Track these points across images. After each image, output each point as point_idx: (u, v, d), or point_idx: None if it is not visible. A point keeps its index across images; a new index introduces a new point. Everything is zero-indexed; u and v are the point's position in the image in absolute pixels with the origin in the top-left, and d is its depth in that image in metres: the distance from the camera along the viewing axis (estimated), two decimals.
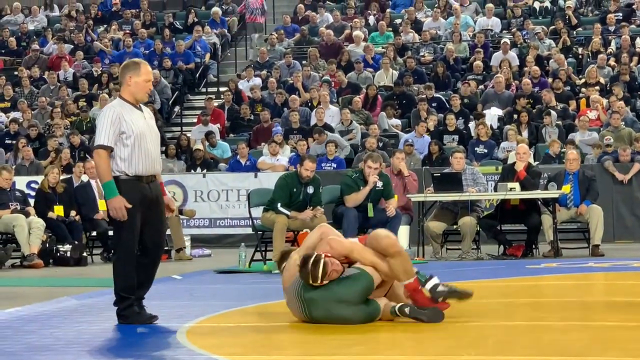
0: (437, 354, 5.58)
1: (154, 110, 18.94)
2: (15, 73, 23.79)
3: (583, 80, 20.67)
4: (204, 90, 23.85)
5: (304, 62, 22.75)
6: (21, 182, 16.91)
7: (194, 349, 5.83)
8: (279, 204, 12.18)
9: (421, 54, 22.85)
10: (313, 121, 19.79)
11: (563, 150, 16.71)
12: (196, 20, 25.39)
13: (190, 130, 21.01)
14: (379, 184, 12.77)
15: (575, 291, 9.34)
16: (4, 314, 7.82)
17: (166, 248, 13.54)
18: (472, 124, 19.16)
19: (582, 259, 13.05)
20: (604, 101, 19.41)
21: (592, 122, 18.84)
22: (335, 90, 21.39)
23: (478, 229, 13.66)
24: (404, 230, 13.10)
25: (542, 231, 13.60)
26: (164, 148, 18.60)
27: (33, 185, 16.79)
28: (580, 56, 22.15)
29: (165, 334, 6.58)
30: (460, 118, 19.48)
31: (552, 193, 13.54)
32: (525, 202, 13.67)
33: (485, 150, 18.07)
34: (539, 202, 13.72)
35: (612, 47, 22.12)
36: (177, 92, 22.93)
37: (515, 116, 19.06)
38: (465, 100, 20.13)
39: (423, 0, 25.31)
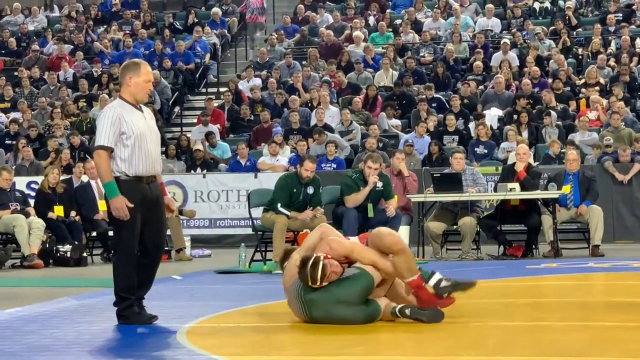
0: (437, 355, 5.58)
1: (154, 111, 18.93)
2: (15, 73, 23.79)
3: (583, 81, 20.67)
4: (204, 90, 23.86)
5: (304, 62, 22.75)
6: (21, 182, 16.91)
7: (194, 349, 5.83)
8: (279, 205, 12.18)
9: (421, 54, 22.85)
10: (313, 121, 19.79)
11: (563, 150, 16.71)
12: (196, 20, 25.39)
13: (190, 131, 21.01)
14: (379, 184, 12.76)
15: (575, 291, 9.34)
16: (4, 314, 7.82)
17: (166, 248, 13.53)
18: (472, 125, 19.16)
19: (582, 259, 13.05)
20: (604, 101, 19.42)
21: (592, 122, 18.85)
22: (335, 90, 21.39)
23: (478, 229, 13.66)
24: (404, 231, 13.09)
25: (542, 231, 13.60)
26: (164, 148, 18.60)
27: (33, 185, 16.79)
28: (580, 57, 22.15)
29: (165, 335, 6.58)
30: (460, 118, 19.48)
31: (552, 193, 13.55)
32: (525, 202, 13.67)
33: (485, 151, 18.07)
34: (539, 203, 13.73)
35: (612, 47, 22.13)
36: (177, 93, 22.94)
37: (515, 116, 19.06)
38: (465, 101, 20.14)
39: (423, 0, 25.31)
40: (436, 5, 24.93)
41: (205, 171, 18.52)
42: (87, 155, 18.28)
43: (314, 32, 24.53)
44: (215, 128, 20.28)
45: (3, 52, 25.45)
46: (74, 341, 6.29)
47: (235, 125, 20.98)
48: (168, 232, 12.95)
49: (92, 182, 15.19)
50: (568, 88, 20.36)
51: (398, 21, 24.56)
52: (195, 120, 21.69)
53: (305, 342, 6.26)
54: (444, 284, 6.73)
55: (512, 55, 21.77)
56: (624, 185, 16.84)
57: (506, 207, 13.75)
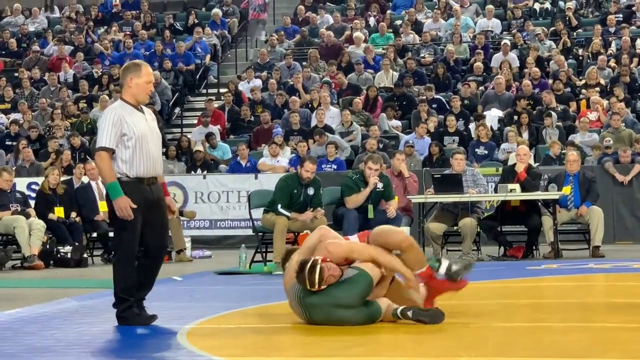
0: (438, 356, 5.58)
1: (155, 112, 18.93)
2: (16, 74, 23.79)
3: (583, 82, 20.67)
4: (204, 91, 23.86)
5: (304, 63, 22.76)
6: (21, 183, 16.90)
7: (195, 351, 5.83)
8: (279, 206, 12.18)
9: (421, 55, 22.86)
10: (313, 122, 19.79)
11: (563, 151, 16.71)
12: (196, 21, 25.40)
13: (190, 132, 21.02)
14: (380, 185, 12.76)
15: (575, 292, 9.34)
16: (5, 315, 7.82)
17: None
18: (472, 125, 19.16)
19: (583, 260, 13.05)
20: (604, 102, 19.41)
21: (592, 123, 18.85)
22: (335, 91, 21.39)
23: (478, 230, 13.65)
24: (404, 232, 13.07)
25: (543, 232, 13.60)
26: (165, 149, 18.60)
27: (33, 186, 16.78)
28: (580, 57, 22.15)
29: (165, 336, 6.59)
30: (461, 119, 19.47)
31: (553, 194, 13.54)
32: (526, 203, 13.67)
33: (486, 152, 18.07)
34: (540, 204, 13.72)
35: (613, 48, 22.12)
36: (177, 94, 22.94)
37: (516, 117, 19.06)
38: (466, 102, 20.14)
39: (423, 1, 25.31)
40: (436, 6, 24.93)
41: (205, 172, 18.52)
42: (87, 156, 18.29)
43: (314, 33, 24.54)
44: (215, 129, 20.28)
45: (3, 53, 25.45)
46: (75, 342, 6.30)
47: (235, 126, 20.98)
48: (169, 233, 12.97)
49: (93, 183, 15.20)
50: (568, 89, 20.36)
51: (398, 22, 24.57)
52: (195, 121, 21.69)
53: (305, 343, 6.26)
54: (454, 267, 6.81)
55: (513, 56, 21.77)
56: (624, 186, 16.84)
57: (506, 208, 13.75)
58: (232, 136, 20.76)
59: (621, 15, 23.55)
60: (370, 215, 12.57)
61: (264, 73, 22.83)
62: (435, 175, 14.09)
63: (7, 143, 20.09)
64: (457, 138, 18.79)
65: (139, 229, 6.92)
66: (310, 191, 12.31)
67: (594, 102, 19.32)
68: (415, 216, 13.89)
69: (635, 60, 21.26)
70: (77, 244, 14.40)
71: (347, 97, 20.94)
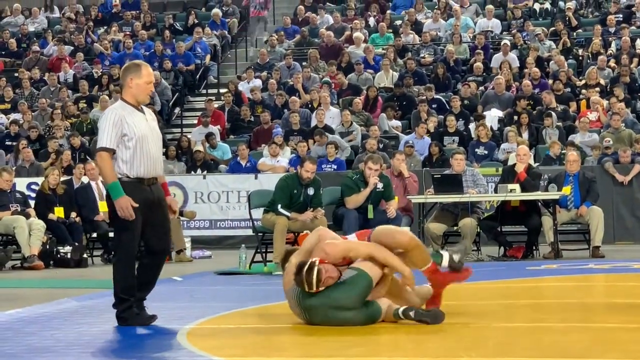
0: (438, 356, 5.58)
1: (155, 112, 18.94)
2: (16, 74, 23.79)
3: (583, 82, 20.67)
4: (204, 91, 23.86)
5: (304, 63, 22.76)
6: (21, 183, 16.90)
7: (195, 351, 5.83)
8: (279, 206, 12.18)
9: (421, 55, 22.86)
10: (313, 122, 19.80)
11: (563, 151, 16.71)
12: (196, 21, 25.40)
13: (190, 132, 21.03)
14: (380, 185, 12.76)
15: (575, 293, 9.34)
16: (5, 315, 7.82)
17: None
18: (472, 126, 19.16)
19: (583, 260, 13.05)
20: (604, 102, 19.42)
21: (592, 123, 18.85)
22: (335, 91, 21.40)
23: (478, 230, 13.65)
24: None
25: (543, 232, 13.60)
26: (165, 149, 18.60)
27: (33, 186, 16.78)
28: (580, 57, 22.16)
29: (165, 336, 6.59)
30: (461, 119, 19.48)
31: (553, 194, 13.55)
32: (526, 203, 13.67)
33: (486, 152, 18.07)
34: (539, 204, 13.73)
35: (612, 48, 22.13)
36: (177, 94, 22.95)
37: (516, 117, 19.06)
38: (466, 102, 20.14)
39: (423, 1, 25.32)
40: (436, 6, 24.94)
41: (205, 172, 18.53)
42: (87, 157, 18.29)
43: (314, 33, 24.54)
44: (215, 129, 20.28)
45: (3, 53, 25.45)
46: (75, 342, 6.30)
47: (235, 126, 20.99)
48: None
49: (92, 184, 15.20)
50: (568, 89, 20.36)
51: (398, 22, 24.57)
52: (195, 122, 21.69)
53: (305, 343, 6.26)
54: (456, 257, 6.85)
55: (513, 56, 21.78)
56: (624, 186, 16.84)
57: (506, 208, 13.75)
58: (232, 136, 20.76)
59: (621, 16, 23.55)
60: (370, 215, 12.57)
61: (264, 73, 22.84)
62: (435, 176, 14.10)
63: (7, 143, 20.09)
64: (457, 138, 18.79)
65: (139, 230, 6.93)
66: (310, 191, 12.31)
67: (594, 102, 19.33)
68: (415, 216, 13.90)
69: (635, 60, 21.27)
70: (77, 244, 14.40)
71: (347, 97, 20.94)
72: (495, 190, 14.08)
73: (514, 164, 14.13)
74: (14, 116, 21.45)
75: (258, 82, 22.35)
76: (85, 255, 14.47)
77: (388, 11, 25.39)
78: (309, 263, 6.54)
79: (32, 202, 14.90)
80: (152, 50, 24.04)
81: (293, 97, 20.74)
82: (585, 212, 13.71)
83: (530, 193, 13.56)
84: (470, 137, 18.79)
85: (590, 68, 20.73)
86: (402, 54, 22.87)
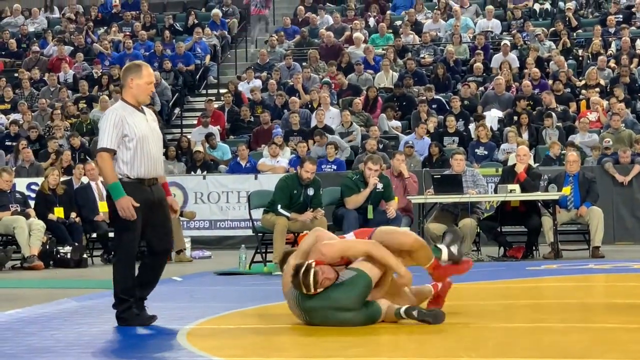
0: (438, 356, 5.58)
1: (155, 112, 18.94)
2: (16, 75, 23.79)
3: (583, 82, 20.68)
4: (204, 92, 23.87)
5: (304, 63, 22.76)
6: (21, 183, 16.90)
7: (195, 351, 5.83)
8: (279, 206, 12.18)
9: (421, 55, 22.86)
10: (313, 123, 19.80)
11: (563, 152, 16.71)
12: (196, 22, 25.41)
13: (190, 132, 21.03)
14: (379, 185, 12.76)
15: (575, 293, 9.34)
16: (5, 315, 7.82)
17: None
18: (472, 126, 19.16)
19: (583, 260, 13.05)
20: (604, 103, 19.42)
21: (592, 123, 18.85)
22: (335, 92, 21.40)
23: (478, 230, 13.66)
24: None
25: (543, 233, 13.60)
26: (164, 150, 18.59)
27: (33, 187, 16.78)
28: (580, 58, 22.16)
29: (165, 336, 6.59)
30: (461, 120, 19.48)
31: (552, 195, 13.55)
32: (526, 203, 13.67)
33: (486, 152, 18.07)
34: (539, 204, 13.72)
35: (612, 48, 22.13)
36: (177, 94, 22.95)
37: (516, 118, 19.06)
38: (466, 102, 20.14)
39: (423, 2, 25.32)
40: (436, 7, 24.94)
41: (205, 172, 18.53)
42: (87, 157, 18.29)
43: (314, 33, 24.54)
44: (215, 129, 20.28)
45: (3, 53, 25.45)
46: (74, 343, 6.30)
47: (235, 126, 20.99)
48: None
49: (92, 184, 15.20)
50: (568, 89, 20.37)
51: (398, 22, 24.57)
52: (195, 122, 21.69)
53: (305, 343, 6.26)
54: (454, 249, 6.90)
55: (512, 56, 21.78)
56: (624, 187, 16.84)
57: (506, 208, 13.75)
58: (231, 137, 20.76)
59: (621, 16, 23.55)
60: (370, 215, 12.57)
61: (264, 73, 22.84)
62: (435, 176, 14.10)
63: (7, 143, 20.09)
64: (456, 138, 18.79)
65: (140, 230, 6.93)
66: (310, 192, 12.31)
67: (594, 102, 19.33)
68: (415, 217, 13.89)
69: (635, 60, 21.27)
70: (76, 244, 14.39)
71: (347, 97, 20.94)
72: (495, 191, 14.08)
73: (514, 165, 14.13)
74: (13, 116, 21.45)
75: (258, 83, 22.35)
76: (85, 256, 14.47)
77: (388, 11, 25.39)
78: (305, 265, 6.52)
79: (32, 203, 14.90)
80: (152, 51, 24.04)
81: (293, 98, 20.74)
82: (585, 212, 13.71)
83: (530, 193, 13.56)
84: (470, 137, 18.79)
85: (590, 68, 20.73)
86: (402, 55, 22.87)
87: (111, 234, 14.39)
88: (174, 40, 24.53)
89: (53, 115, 20.92)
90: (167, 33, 24.80)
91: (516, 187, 13.47)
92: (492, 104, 20.08)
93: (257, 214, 13.02)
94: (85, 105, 21.71)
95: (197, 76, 23.88)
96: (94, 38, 25.42)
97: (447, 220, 13.69)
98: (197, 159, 18.99)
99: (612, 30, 22.90)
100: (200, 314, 7.52)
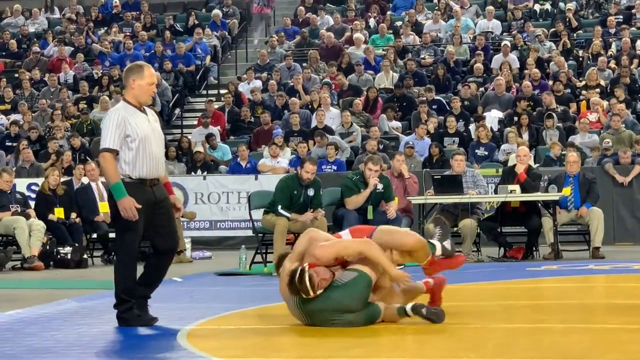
0: (438, 357, 5.58)
1: (155, 113, 18.93)
2: (16, 75, 23.80)
3: (583, 83, 20.68)
4: (204, 92, 23.87)
5: (304, 64, 22.77)
6: (21, 184, 16.89)
7: (195, 352, 5.84)
8: (279, 207, 12.18)
9: (421, 56, 22.87)
10: (313, 123, 19.80)
11: (563, 152, 16.72)
12: (197, 22, 25.41)
13: (190, 133, 21.03)
14: (380, 186, 12.76)
15: (575, 293, 9.34)
16: (5, 316, 7.82)
17: None
18: (472, 127, 19.17)
19: (583, 261, 13.05)
20: (605, 103, 19.43)
21: (592, 124, 18.86)
22: (335, 92, 21.40)
23: (478, 231, 13.66)
24: None
25: (543, 233, 13.60)
26: (165, 150, 18.58)
27: (33, 187, 16.78)
28: (580, 59, 22.16)
29: (166, 337, 6.59)
30: (461, 120, 19.48)
31: (553, 195, 13.55)
32: (526, 204, 13.67)
33: (486, 153, 18.08)
34: (540, 205, 13.72)
35: (613, 49, 22.13)
36: (177, 95, 22.96)
37: (516, 118, 19.06)
38: (466, 103, 20.14)
39: (423, 2, 25.32)
40: (437, 7, 24.94)
41: (205, 173, 18.54)
42: (87, 157, 18.29)
43: (315, 34, 24.55)
44: (215, 130, 20.29)
45: (4, 53, 25.46)
46: (75, 343, 6.30)
47: (235, 127, 20.99)
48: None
49: (93, 184, 15.21)
50: (568, 90, 20.37)
51: (398, 23, 24.58)
52: (195, 122, 21.70)
53: (305, 344, 6.27)
54: (446, 244, 6.98)
55: (513, 57, 21.78)
56: (624, 187, 16.85)
57: (506, 209, 13.75)
58: (232, 137, 20.77)
59: (621, 17, 23.56)
60: (370, 216, 12.57)
61: (264, 74, 22.85)
62: (435, 176, 14.10)
63: (7, 144, 20.10)
64: (457, 139, 18.80)
65: (141, 230, 6.94)
66: (311, 192, 12.31)
67: (594, 103, 19.34)
68: (415, 217, 13.89)
69: (636, 61, 21.27)
70: (77, 244, 14.40)
71: (347, 98, 20.95)
72: (496, 191, 14.09)
73: (514, 165, 14.13)
74: (14, 117, 21.46)
75: (258, 83, 22.36)
76: (85, 256, 14.48)
77: (388, 12, 25.39)
78: (298, 271, 6.51)
79: (32, 203, 14.90)
80: (153, 51, 24.04)
81: (293, 98, 20.74)
82: (585, 213, 13.71)
83: (531, 194, 13.56)
84: (470, 138, 18.80)
85: (590, 69, 20.73)
86: (403, 55, 22.88)
87: (111, 235, 14.45)
88: (174, 41, 24.54)
89: (53, 116, 20.93)
90: (167, 33, 24.81)
91: (516, 187, 13.48)
92: (492, 104, 20.08)
93: (258, 214, 13.02)
94: (85, 106, 21.71)
95: (198, 77, 23.89)
96: (95, 38, 25.42)
97: (447, 221, 13.66)
98: (197, 160, 19.00)
99: (612, 30, 22.90)
100: (200, 315, 7.53)
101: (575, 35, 23.23)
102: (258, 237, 12.78)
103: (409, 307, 6.65)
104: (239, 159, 18.77)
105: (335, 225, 12.32)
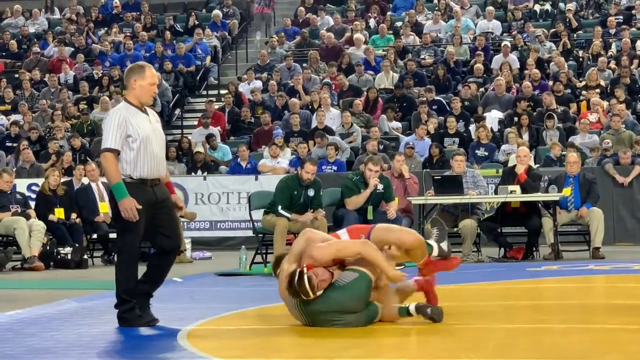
0: (438, 357, 5.58)
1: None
2: (16, 76, 23.80)
3: (583, 83, 20.68)
4: (204, 92, 23.88)
5: (304, 64, 22.77)
6: (22, 184, 16.89)
7: (195, 352, 5.84)
8: (279, 207, 12.18)
9: (422, 56, 22.87)
10: (314, 124, 19.80)
11: (564, 153, 16.72)
12: (197, 23, 25.41)
13: (190, 133, 21.03)
14: (380, 186, 12.77)
15: (575, 294, 9.34)
16: (5, 316, 7.82)
17: None
18: (472, 127, 19.17)
19: (583, 261, 13.05)
20: (605, 104, 19.43)
21: (592, 124, 18.86)
22: (336, 92, 21.40)
23: (478, 231, 13.66)
24: None
25: (543, 234, 13.60)
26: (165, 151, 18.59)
27: (34, 187, 16.78)
28: (580, 59, 22.16)
29: (166, 337, 6.59)
30: (461, 121, 19.48)
31: (553, 196, 13.55)
32: (526, 204, 13.67)
33: (486, 153, 18.08)
34: (540, 205, 13.72)
35: (613, 49, 22.13)
36: (177, 95, 22.96)
37: (516, 119, 19.06)
38: (466, 103, 20.14)
39: (423, 3, 25.33)
40: (437, 8, 24.94)
41: (205, 173, 18.54)
42: (87, 158, 18.29)
43: (315, 34, 24.55)
44: (215, 130, 20.28)
45: (4, 54, 25.46)
46: (75, 343, 6.30)
47: (235, 127, 20.99)
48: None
49: (93, 185, 15.21)
50: (568, 90, 20.37)
51: (399, 23, 24.58)
52: (195, 123, 21.70)
53: (305, 344, 6.27)
54: (443, 245, 6.99)
55: (513, 57, 21.78)
56: (624, 188, 16.84)
57: (507, 209, 13.75)
58: (232, 137, 20.77)
59: (621, 17, 23.57)
60: (370, 216, 12.58)
61: (264, 74, 22.85)
62: (435, 177, 14.10)
63: (8, 144, 20.11)
64: (457, 139, 18.80)
65: (142, 231, 6.94)
66: (311, 192, 12.31)
67: (594, 103, 19.34)
68: (415, 217, 13.90)
69: (636, 61, 21.27)
70: (77, 245, 14.40)
71: (347, 98, 20.95)
72: (496, 192, 14.09)
73: (514, 166, 14.13)
74: (14, 117, 21.46)
75: (258, 84, 22.36)
76: (85, 256, 14.48)
77: (388, 12, 25.39)
78: (297, 274, 6.50)
79: (32, 203, 14.91)
80: (153, 52, 24.05)
81: (293, 99, 20.75)
82: (585, 213, 13.71)
83: (531, 194, 13.56)
84: (470, 138, 18.80)
85: (590, 69, 20.73)
86: (403, 55, 22.87)
87: (111, 235, 14.46)
88: (174, 41, 24.54)
89: (53, 116, 20.93)
90: (167, 34, 24.81)
91: (516, 188, 13.48)
92: (492, 105, 20.08)
93: (258, 214, 13.03)
94: (85, 106, 21.71)
95: (198, 77, 23.89)
96: (95, 39, 25.42)
97: (448, 222, 13.68)
98: (197, 160, 19.00)
99: (612, 31, 22.90)
100: (200, 315, 7.53)
101: (575, 35, 23.23)
102: (258, 237, 12.78)
103: (412, 307, 6.65)
104: (239, 160, 18.77)
105: (336, 226, 12.30)
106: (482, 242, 14.09)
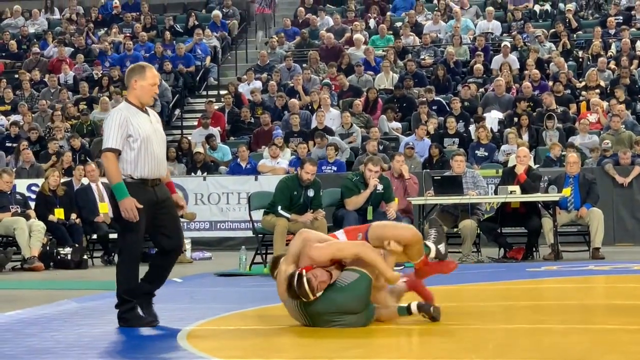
0: (437, 357, 5.58)
1: None
2: (16, 76, 23.80)
3: (583, 84, 20.68)
4: (204, 93, 23.88)
5: (304, 65, 22.77)
6: (22, 185, 16.89)
7: (195, 352, 5.84)
8: (279, 207, 12.18)
9: (422, 57, 22.87)
10: (313, 124, 19.81)
11: (563, 153, 16.72)
12: (197, 23, 25.41)
13: (190, 133, 21.03)
14: (380, 187, 12.77)
15: (575, 294, 9.34)
16: (5, 317, 7.82)
17: None
18: (472, 127, 19.17)
19: (583, 262, 13.05)
20: (604, 104, 19.43)
21: (592, 125, 18.86)
22: (335, 93, 21.40)
23: (478, 231, 13.65)
24: None
25: (543, 234, 13.60)
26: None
27: (33, 188, 16.78)
28: (580, 59, 22.16)
29: (166, 337, 6.59)
30: (461, 121, 19.48)
31: (553, 196, 13.55)
32: (526, 205, 13.67)
33: (486, 154, 18.08)
34: (540, 205, 13.72)
35: (613, 50, 22.14)
36: (177, 95, 22.96)
37: (516, 119, 19.06)
38: (466, 104, 20.14)
39: (423, 3, 25.33)
40: (436, 8, 24.94)
41: (205, 174, 18.54)
42: (87, 158, 18.30)
43: (315, 34, 24.55)
44: (215, 131, 20.28)
45: (4, 54, 25.46)
46: (75, 344, 6.30)
47: (235, 127, 20.99)
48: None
49: (93, 185, 15.21)
50: (568, 91, 20.37)
51: (398, 24, 24.57)
52: (195, 123, 21.70)
53: (304, 344, 6.27)
54: (441, 247, 7.00)
55: (513, 57, 21.78)
56: (624, 188, 16.85)
57: (506, 209, 13.75)
58: (232, 138, 20.77)
59: (621, 18, 23.56)
60: (370, 217, 12.57)
61: (264, 75, 22.85)
62: (435, 177, 14.10)
63: (7, 145, 20.11)
64: (457, 140, 18.80)
65: (143, 231, 6.95)
66: (311, 193, 12.31)
67: (594, 104, 19.34)
68: (415, 218, 13.89)
69: (635, 62, 21.27)
70: (77, 245, 14.40)
71: (347, 98, 20.95)
72: (496, 192, 14.09)
73: (514, 166, 14.13)
74: (14, 118, 21.46)
75: (258, 84, 22.36)
76: (85, 257, 14.48)
77: (388, 13, 25.39)
78: (296, 276, 6.50)
79: (32, 204, 14.91)
80: (153, 52, 24.05)
81: (293, 99, 20.75)
82: (585, 213, 13.71)
83: (531, 195, 13.56)
84: (470, 138, 18.80)
85: (590, 70, 20.73)
86: (402, 56, 22.88)
87: (111, 235, 14.46)
88: (174, 42, 24.54)
89: (53, 117, 20.93)
90: (167, 34, 24.81)
91: (516, 188, 13.48)
92: (492, 105, 20.08)
93: (258, 215, 13.03)
94: (85, 107, 21.71)
95: (198, 77, 23.89)
96: (95, 39, 25.42)
97: (448, 222, 13.69)
98: (197, 160, 19.00)
99: (612, 31, 22.91)
100: (200, 315, 7.53)
101: (575, 36, 23.23)
102: (258, 237, 12.78)
103: (413, 305, 6.66)
104: (239, 160, 18.77)
105: (336, 226, 12.29)
106: (482, 243, 14.09)
